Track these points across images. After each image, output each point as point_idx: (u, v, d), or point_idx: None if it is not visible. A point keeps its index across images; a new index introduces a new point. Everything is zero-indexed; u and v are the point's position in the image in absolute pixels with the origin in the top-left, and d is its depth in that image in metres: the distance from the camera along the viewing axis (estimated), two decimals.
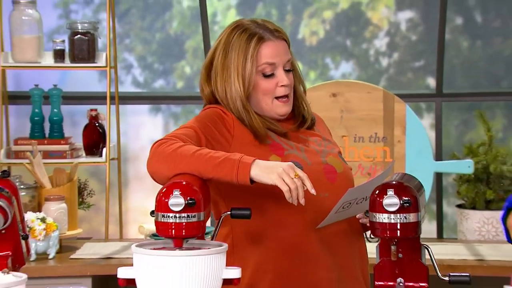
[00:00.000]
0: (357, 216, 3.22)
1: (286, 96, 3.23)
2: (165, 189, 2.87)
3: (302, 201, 2.90)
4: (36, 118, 5.33)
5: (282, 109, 3.24)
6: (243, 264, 2.98)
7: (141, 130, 5.63)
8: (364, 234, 3.35)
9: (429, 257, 2.95)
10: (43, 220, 4.69)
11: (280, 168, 2.90)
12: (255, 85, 3.20)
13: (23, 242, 3.14)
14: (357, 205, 3.09)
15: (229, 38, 3.23)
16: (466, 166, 4.95)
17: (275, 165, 2.93)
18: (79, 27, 5.23)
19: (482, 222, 5.03)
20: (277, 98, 3.23)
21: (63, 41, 5.27)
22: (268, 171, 2.92)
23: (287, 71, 3.23)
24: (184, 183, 2.89)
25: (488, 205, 5.07)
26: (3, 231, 3.03)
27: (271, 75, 3.20)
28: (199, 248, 2.87)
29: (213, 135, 3.15)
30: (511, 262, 4.43)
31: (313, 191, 2.92)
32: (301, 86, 3.34)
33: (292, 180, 2.88)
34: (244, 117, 3.20)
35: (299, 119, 3.33)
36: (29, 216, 4.65)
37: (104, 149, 5.25)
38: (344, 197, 3.04)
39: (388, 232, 2.87)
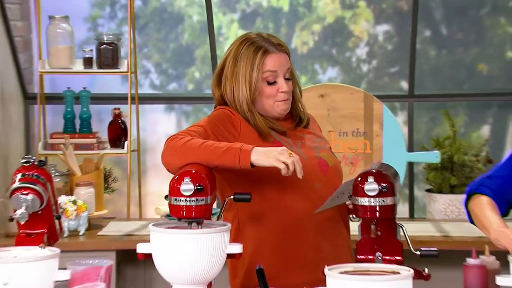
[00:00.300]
0: (347, 203, 3.19)
1: (287, 99, 3.22)
2: (177, 176, 2.87)
3: (300, 175, 2.92)
4: (68, 116, 5.29)
5: (282, 107, 3.22)
6: (246, 242, 2.95)
7: (157, 126, 5.62)
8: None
9: (403, 234, 2.95)
10: (74, 202, 4.67)
11: (276, 151, 2.92)
12: (260, 91, 3.19)
13: (56, 221, 3.12)
14: (347, 195, 3.04)
15: (238, 49, 3.20)
16: (434, 157, 4.94)
17: (271, 150, 2.94)
18: (105, 38, 5.19)
19: (447, 204, 5.01)
20: (277, 101, 3.22)
21: (91, 50, 5.22)
22: (265, 155, 2.92)
23: (287, 79, 3.22)
24: (193, 171, 2.89)
25: (452, 190, 5.04)
26: (40, 212, 3.00)
27: (274, 83, 3.19)
28: (207, 227, 2.87)
29: (221, 133, 3.13)
30: (472, 238, 4.37)
31: (300, 176, 2.93)
32: (298, 90, 3.32)
33: (288, 158, 2.90)
34: (249, 117, 3.18)
35: (297, 119, 3.31)
36: (63, 199, 4.64)
37: (126, 142, 5.21)
38: (338, 188, 3.06)
39: (368, 213, 2.87)
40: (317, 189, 3.15)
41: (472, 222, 3.09)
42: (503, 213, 3.03)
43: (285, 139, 3.21)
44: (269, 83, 3.18)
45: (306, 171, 2.98)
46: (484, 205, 3.01)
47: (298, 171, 2.91)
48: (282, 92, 3.18)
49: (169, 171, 3.05)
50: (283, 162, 2.90)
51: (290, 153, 2.93)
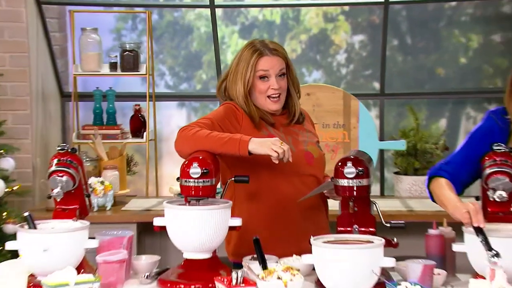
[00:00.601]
0: (324, 192, 3.23)
1: (277, 96, 3.19)
2: (187, 161, 2.89)
3: (290, 159, 2.94)
4: (97, 111, 5.26)
5: (272, 106, 3.21)
6: (239, 216, 2.94)
7: (171, 120, 5.60)
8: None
9: (376, 209, 2.96)
10: (102, 182, 4.66)
11: (269, 141, 2.94)
12: (254, 86, 3.19)
13: (86, 199, 3.12)
14: (326, 190, 3.16)
15: (242, 53, 3.22)
16: (401, 145, 4.96)
17: (266, 140, 2.96)
18: (127, 46, 5.17)
19: (411, 184, 5.00)
20: (268, 97, 3.19)
21: (116, 56, 5.19)
22: (261, 144, 2.94)
23: (280, 77, 3.20)
24: (200, 157, 2.90)
25: (415, 172, 5.03)
26: (72, 191, 3.01)
27: (266, 80, 3.17)
28: (211, 204, 2.88)
29: (226, 125, 3.12)
30: (432, 212, 4.38)
31: (290, 159, 2.94)
32: (296, 91, 3.31)
33: (280, 147, 2.91)
34: (245, 108, 3.17)
35: (291, 116, 3.29)
36: (92, 180, 4.63)
37: (145, 133, 5.19)
38: (320, 186, 3.15)
39: (347, 193, 2.88)
40: (302, 176, 3.17)
41: (433, 200, 3.08)
42: (459, 192, 3.02)
43: (278, 133, 3.20)
44: (261, 78, 3.17)
45: (294, 161, 3.02)
46: (443, 186, 3.00)
47: (286, 157, 2.92)
48: (272, 88, 3.17)
49: (180, 156, 3.05)
50: (275, 151, 2.90)
51: (281, 143, 2.94)
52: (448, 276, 2.92)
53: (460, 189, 3.06)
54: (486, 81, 5.49)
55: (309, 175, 3.20)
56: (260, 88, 3.18)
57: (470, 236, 2.72)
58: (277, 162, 2.93)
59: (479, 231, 2.66)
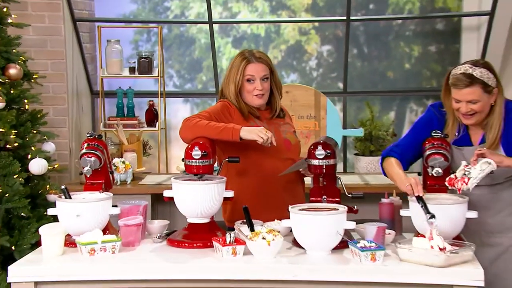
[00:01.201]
0: (300, 170, 3.21)
1: (261, 95, 3.18)
2: (190, 146, 2.88)
3: (274, 143, 2.95)
4: (119, 106, 5.20)
5: (257, 102, 3.19)
6: (232, 189, 2.93)
7: (177, 112, 5.52)
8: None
9: (340, 183, 2.95)
10: (123, 162, 4.63)
11: (257, 129, 2.94)
12: (243, 87, 3.17)
13: (110, 175, 3.09)
14: (301, 166, 3.10)
15: (234, 60, 3.21)
16: (359, 132, 4.93)
17: (253, 128, 2.96)
18: (143, 54, 5.12)
19: (368, 163, 4.97)
20: (255, 95, 3.18)
21: (134, 62, 5.14)
22: (249, 132, 2.94)
23: (263, 80, 3.18)
24: (200, 142, 2.89)
25: (371, 153, 4.99)
26: (99, 169, 2.99)
27: (252, 82, 3.15)
28: (209, 180, 2.87)
29: (220, 117, 3.09)
30: (384, 185, 4.33)
31: (274, 143, 2.95)
32: (278, 92, 3.28)
33: (265, 134, 2.92)
34: (236, 104, 3.16)
35: (273, 111, 3.27)
36: (115, 160, 4.60)
37: (157, 123, 5.15)
38: (296, 163, 3.13)
39: (318, 170, 2.88)
40: (283, 159, 3.15)
41: (385, 175, 3.08)
42: (405, 169, 3.01)
43: (263, 124, 3.17)
44: (248, 81, 3.14)
45: (276, 146, 3.01)
46: (393, 164, 2.98)
47: (269, 142, 2.93)
48: (257, 89, 3.16)
49: (184, 141, 3.02)
50: (261, 137, 2.91)
51: (266, 131, 2.94)
52: (397, 235, 2.93)
53: (406, 166, 3.06)
54: (424, 82, 5.49)
55: (287, 158, 3.17)
56: (248, 89, 3.16)
57: (413, 204, 2.74)
58: (264, 145, 2.93)
59: (419, 199, 2.68)
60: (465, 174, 2.71)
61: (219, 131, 2.94)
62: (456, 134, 2.99)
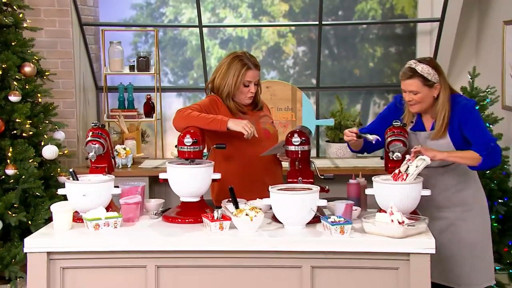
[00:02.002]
0: (277, 154, 3.18)
1: (252, 96, 3.14)
2: (182, 134, 2.84)
3: (256, 135, 2.92)
4: (120, 99, 5.13)
5: (247, 101, 3.15)
6: (220, 172, 2.88)
7: (172, 105, 5.44)
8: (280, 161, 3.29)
9: (313, 166, 2.93)
10: (124, 148, 4.58)
11: (243, 123, 2.90)
12: (239, 88, 3.09)
13: (112, 160, 3.03)
14: (280, 149, 3.05)
15: (232, 62, 3.10)
16: (330, 122, 4.90)
17: (240, 121, 2.92)
18: (141, 54, 5.06)
19: (337, 149, 4.94)
20: (246, 96, 3.14)
21: (134, 61, 5.08)
22: (236, 124, 2.91)
23: (256, 85, 3.15)
24: (192, 131, 2.85)
25: (340, 141, 4.96)
26: (102, 154, 2.93)
27: (248, 86, 3.10)
28: (199, 164, 2.83)
29: (209, 110, 3.04)
30: (351, 168, 4.34)
31: (256, 135, 2.93)
32: (260, 90, 3.22)
33: (249, 128, 2.89)
34: (225, 100, 3.10)
35: (256, 106, 3.22)
36: (117, 147, 4.55)
37: (154, 114, 5.07)
38: (276, 145, 3.07)
39: (294, 155, 2.86)
40: (264, 146, 3.11)
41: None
42: (369, 152, 3.08)
43: (246, 117, 3.12)
44: (245, 86, 3.09)
45: (259, 136, 3.00)
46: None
47: (251, 135, 2.90)
48: (250, 92, 3.11)
49: (176, 130, 2.97)
50: (246, 130, 2.89)
51: (251, 126, 2.91)
52: (362, 211, 2.92)
53: (369, 150, 3.09)
54: (386, 78, 5.47)
55: (266, 145, 3.12)
56: (243, 91, 3.09)
57: (376, 184, 2.72)
58: (247, 137, 2.90)
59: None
60: (406, 171, 2.72)
61: (209, 121, 2.90)
62: (413, 121, 3.00)
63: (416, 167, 2.70)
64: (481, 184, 3.05)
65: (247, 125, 2.89)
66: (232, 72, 3.06)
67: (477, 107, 3.07)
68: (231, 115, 3.05)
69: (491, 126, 3.97)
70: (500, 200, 3.85)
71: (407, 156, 2.76)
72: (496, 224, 3.82)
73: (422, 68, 2.87)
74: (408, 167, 2.72)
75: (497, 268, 3.82)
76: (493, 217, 3.81)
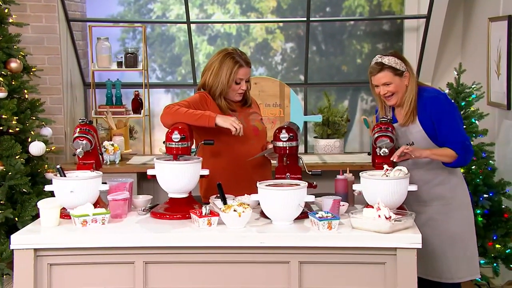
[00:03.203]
0: (266, 155, 3.21)
1: (243, 93, 3.15)
2: (170, 130, 2.83)
3: (241, 134, 2.92)
4: (108, 95, 5.09)
5: (238, 98, 3.15)
6: (208, 168, 2.88)
7: (160, 101, 5.39)
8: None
9: (301, 162, 2.93)
10: (112, 145, 4.56)
11: (231, 119, 2.91)
12: (231, 86, 3.09)
13: (100, 156, 3.02)
14: (267, 152, 3.11)
15: (224, 59, 3.09)
16: (318, 118, 4.91)
17: (228, 118, 2.92)
18: (129, 50, 5.02)
19: (325, 144, 4.94)
20: (237, 92, 3.13)
21: (121, 57, 5.03)
22: (224, 120, 2.91)
23: (246, 82, 3.15)
24: (179, 127, 2.83)
25: (328, 136, 4.96)
26: (90, 151, 2.91)
27: (239, 84, 3.10)
28: (187, 160, 2.82)
29: (197, 106, 3.03)
30: (339, 164, 4.34)
31: (241, 134, 2.91)
32: (249, 86, 3.21)
33: (237, 124, 2.90)
34: (215, 97, 3.09)
35: (246, 103, 3.22)
36: (105, 143, 4.53)
37: (142, 110, 5.04)
38: (264, 151, 3.11)
39: (282, 151, 2.86)
40: (251, 143, 3.12)
41: None
42: None
43: (236, 114, 3.12)
44: (236, 83, 3.09)
45: (245, 132, 2.99)
46: None
47: (239, 132, 2.91)
48: (241, 89, 3.11)
49: (165, 126, 2.95)
50: (234, 127, 2.89)
51: (239, 122, 2.92)
52: (350, 206, 2.93)
53: None
54: None
55: (254, 141, 3.14)
56: (234, 88, 3.10)
57: (364, 180, 2.72)
58: (234, 134, 2.90)
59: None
60: None
61: (197, 117, 2.89)
62: (390, 115, 3.06)
63: (394, 177, 2.73)
64: (463, 178, 3.08)
65: (235, 121, 2.89)
66: (224, 71, 3.05)
67: (452, 101, 3.11)
68: (220, 112, 3.04)
69: (476, 122, 4.00)
70: (485, 195, 3.87)
71: (385, 166, 2.77)
72: (481, 219, 3.84)
73: (388, 60, 2.97)
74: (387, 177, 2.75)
75: (482, 262, 3.85)
76: (478, 211, 3.84)
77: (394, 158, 2.79)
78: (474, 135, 3.96)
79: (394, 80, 2.96)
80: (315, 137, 5.05)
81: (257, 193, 2.67)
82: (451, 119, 2.92)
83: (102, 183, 2.80)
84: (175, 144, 2.78)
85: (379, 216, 2.53)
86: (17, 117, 4.05)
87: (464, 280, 2.99)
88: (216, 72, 3.06)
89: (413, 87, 2.98)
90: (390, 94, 2.97)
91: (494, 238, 3.86)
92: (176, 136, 2.77)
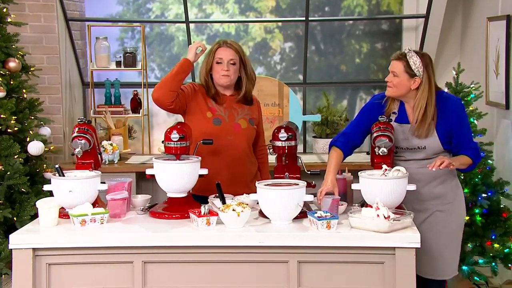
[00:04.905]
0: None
1: (227, 76, 3.11)
2: (169, 129, 2.82)
3: (204, 48, 3.05)
4: (107, 95, 5.08)
5: (222, 80, 3.13)
6: (207, 167, 2.87)
7: None
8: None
9: (300, 162, 2.93)
10: (111, 144, 4.54)
11: (191, 45, 3.06)
12: (213, 67, 3.12)
13: (99, 156, 3.02)
14: None
15: (211, 47, 3.19)
16: (317, 118, 4.90)
17: (190, 48, 3.06)
18: (128, 49, 5.01)
19: (324, 144, 4.93)
20: (221, 75, 3.13)
21: (120, 56, 5.03)
22: (189, 51, 3.04)
23: (231, 64, 3.12)
24: (178, 126, 2.83)
25: (327, 136, 4.95)
26: (89, 150, 2.91)
27: (221, 65, 3.10)
28: (186, 159, 2.82)
29: (186, 90, 3.10)
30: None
31: (204, 48, 3.04)
32: (249, 80, 3.18)
33: (196, 43, 3.02)
34: (204, 83, 3.14)
35: (239, 96, 3.17)
36: (104, 142, 4.51)
37: (141, 110, 5.03)
38: None
39: (281, 150, 2.86)
40: (230, 140, 3.09)
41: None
42: (349, 154, 3.02)
43: (219, 107, 3.13)
44: (218, 63, 3.10)
45: (225, 127, 3.03)
46: (333, 157, 2.97)
47: (201, 46, 3.00)
48: (223, 70, 3.10)
49: (157, 103, 3.02)
50: (195, 46, 2.99)
51: (198, 44, 3.00)
52: (348, 206, 2.92)
53: (351, 151, 3.05)
54: (372, 74, 5.48)
55: (233, 138, 3.11)
56: (216, 69, 3.11)
57: (363, 179, 2.72)
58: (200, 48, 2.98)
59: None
60: None
61: (176, 69, 2.96)
62: (396, 112, 3.01)
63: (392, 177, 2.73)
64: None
65: (193, 44, 2.99)
66: (207, 53, 3.13)
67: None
68: (203, 102, 3.08)
69: (475, 121, 4.00)
70: (484, 195, 3.88)
71: (384, 166, 2.76)
72: (480, 218, 3.84)
73: (411, 56, 2.92)
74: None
75: (480, 261, 3.86)
76: (477, 211, 3.84)
77: (435, 168, 2.77)
78: (472, 134, 3.96)
79: (402, 75, 2.92)
80: (314, 137, 5.05)
81: (256, 192, 2.67)
82: (467, 124, 2.99)
83: (101, 182, 2.80)
84: (174, 143, 2.78)
85: (378, 215, 2.53)
86: (15, 117, 4.05)
87: (450, 277, 3.07)
88: (204, 60, 3.15)
89: (424, 95, 2.91)
90: (391, 85, 2.96)
91: (493, 237, 3.86)
92: (175, 135, 2.77)
